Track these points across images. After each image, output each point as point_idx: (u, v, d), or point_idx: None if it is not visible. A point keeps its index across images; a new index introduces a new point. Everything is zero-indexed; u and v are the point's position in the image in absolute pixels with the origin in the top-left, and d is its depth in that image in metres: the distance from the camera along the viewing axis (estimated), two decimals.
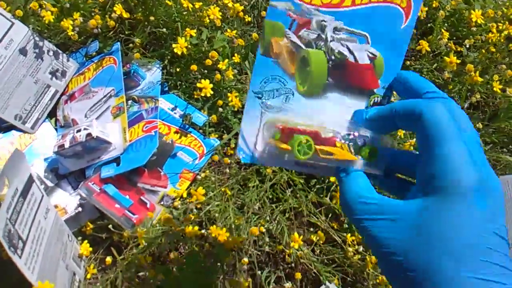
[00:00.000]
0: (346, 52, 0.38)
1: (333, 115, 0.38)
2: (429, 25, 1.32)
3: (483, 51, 1.21)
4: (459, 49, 1.26)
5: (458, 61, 1.10)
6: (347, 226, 0.97)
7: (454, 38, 1.31)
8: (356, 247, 0.93)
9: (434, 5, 1.26)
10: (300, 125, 0.36)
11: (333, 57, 0.38)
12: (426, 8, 1.20)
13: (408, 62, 1.24)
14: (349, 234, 0.93)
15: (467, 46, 1.25)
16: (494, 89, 1.13)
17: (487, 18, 1.24)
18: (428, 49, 1.17)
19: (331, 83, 0.38)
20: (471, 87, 1.21)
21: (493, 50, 1.21)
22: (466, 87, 1.21)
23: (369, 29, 0.38)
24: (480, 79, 1.10)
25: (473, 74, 1.09)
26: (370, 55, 0.38)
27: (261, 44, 0.37)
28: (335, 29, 0.37)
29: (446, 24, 1.31)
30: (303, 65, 0.37)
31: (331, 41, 0.37)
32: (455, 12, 1.30)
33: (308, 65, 0.37)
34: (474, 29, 1.24)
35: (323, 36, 0.37)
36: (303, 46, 0.37)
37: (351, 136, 0.36)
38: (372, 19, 0.37)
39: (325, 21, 0.37)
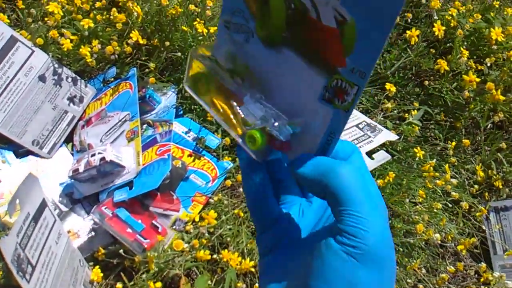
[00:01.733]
0: (307, 3, 0.29)
1: (283, 83, 0.31)
2: (448, 44, 1.30)
3: (505, 69, 1.18)
4: (480, 68, 1.23)
5: (478, 80, 1.07)
6: None
7: (475, 57, 1.28)
8: None
9: (452, 24, 1.24)
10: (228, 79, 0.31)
11: (292, 5, 0.29)
12: (444, 27, 1.17)
13: (426, 82, 1.21)
14: None
15: (488, 64, 1.21)
16: None
17: (507, 36, 1.20)
18: (447, 68, 1.14)
19: (288, 36, 0.30)
20: (494, 106, 1.18)
21: None
22: (488, 106, 1.18)
23: None
24: (502, 98, 1.07)
25: (494, 92, 1.06)
26: (338, 16, 0.28)
27: None
28: None
29: (466, 43, 1.28)
30: (263, 5, 0.31)
31: None
32: (475, 31, 1.28)
33: (267, 7, 0.31)
34: (495, 47, 1.21)
35: None
36: None
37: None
38: None
39: None
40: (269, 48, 0.32)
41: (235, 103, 0.31)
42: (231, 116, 0.30)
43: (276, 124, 0.29)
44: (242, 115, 0.30)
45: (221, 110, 0.31)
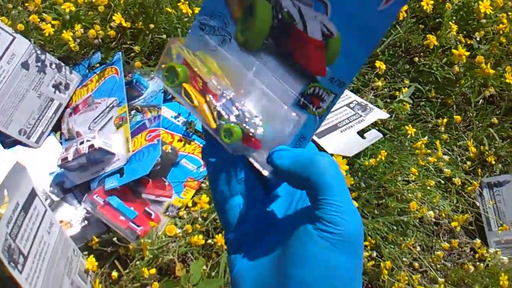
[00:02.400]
0: (295, 16, 0.30)
1: (256, 83, 0.32)
2: (437, 20, 1.28)
3: (494, 42, 1.17)
4: (469, 42, 1.22)
5: (467, 53, 1.06)
6: None
7: (465, 32, 1.27)
8: (370, 252, 0.89)
9: None
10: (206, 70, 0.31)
11: (280, 16, 0.30)
12: (432, 2, 1.16)
13: (416, 59, 1.20)
14: None
15: (478, 38, 1.21)
16: (507, 81, 1.08)
17: (496, 9, 1.19)
18: (437, 43, 1.13)
19: (270, 44, 0.31)
20: (484, 81, 1.17)
21: (504, 41, 1.16)
22: (478, 81, 1.17)
23: None
24: (492, 72, 1.06)
25: (484, 66, 1.05)
26: (326, 31, 0.29)
27: None
28: None
29: (455, 18, 1.27)
30: (248, 12, 0.31)
31: None
32: (463, 5, 1.27)
33: (252, 15, 0.31)
34: (484, 21, 1.20)
35: None
36: None
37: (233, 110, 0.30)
38: None
39: None
40: (247, 52, 0.32)
41: (211, 96, 0.31)
42: (206, 110, 0.31)
43: (252, 121, 0.30)
44: (219, 109, 0.30)
45: (196, 102, 0.31)
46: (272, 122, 0.31)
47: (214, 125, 0.31)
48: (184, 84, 0.31)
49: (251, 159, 0.32)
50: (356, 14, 0.28)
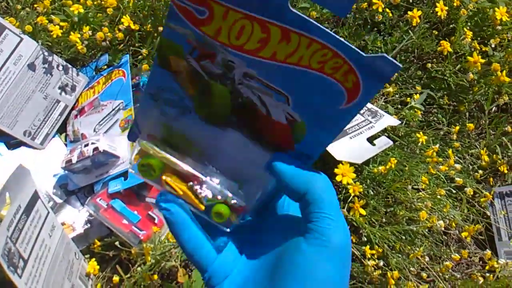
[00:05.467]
0: (257, 102, 0.30)
1: (227, 155, 0.33)
2: (451, 26, 1.26)
3: (510, 49, 1.14)
4: (484, 49, 1.19)
5: (483, 61, 1.03)
6: (366, 239, 0.91)
7: (479, 38, 1.24)
8: (376, 261, 0.87)
9: (455, 4, 1.20)
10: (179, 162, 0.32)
11: (240, 100, 0.30)
12: (447, 8, 1.14)
13: (429, 65, 1.18)
14: (368, 247, 0.87)
15: (493, 45, 1.18)
16: None
17: None
18: (450, 50, 1.11)
19: (234, 120, 0.31)
20: (498, 89, 1.14)
21: None
22: (492, 88, 1.14)
23: (293, 92, 0.28)
24: (507, 79, 1.03)
25: (499, 73, 1.03)
26: (289, 117, 0.30)
27: (159, 55, 0.30)
28: (246, 75, 0.29)
29: (469, 24, 1.24)
30: (203, 92, 0.30)
31: (239, 83, 0.29)
32: (479, 11, 1.24)
33: (209, 96, 0.30)
34: (499, 27, 1.17)
35: (230, 75, 0.29)
36: (205, 76, 0.30)
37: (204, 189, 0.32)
38: (300, 83, 0.28)
39: (233, 62, 0.28)
40: (211, 126, 0.32)
41: (194, 183, 0.32)
42: (192, 196, 0.31)
43: (233, 197, 0.32)
44: (203, 194, 0.31)
45: (180, 191, 0.31)
46: (249, 184, 0.33)
47: (202, 208, 0.31)
48: (163, 177, 0.31)
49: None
50: (317, 108, 0.29)
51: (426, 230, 0.96)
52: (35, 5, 1.05)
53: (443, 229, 0.91)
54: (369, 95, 0.27)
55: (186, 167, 0.31)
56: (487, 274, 0.90)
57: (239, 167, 0.33)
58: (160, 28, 1.07)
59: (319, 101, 0.28)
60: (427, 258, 0.91)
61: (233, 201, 0.32)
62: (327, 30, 0.26)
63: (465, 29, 1.16)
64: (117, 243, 0.85)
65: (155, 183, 0.32)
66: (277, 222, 0.34)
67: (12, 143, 0.98)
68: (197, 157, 0.33)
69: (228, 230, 0.32)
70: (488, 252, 0.93)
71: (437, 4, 1.14)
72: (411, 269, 0.90)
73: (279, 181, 0.31)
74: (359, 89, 0.27)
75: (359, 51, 0.26)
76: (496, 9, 1.15)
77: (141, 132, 0.34)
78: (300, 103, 0.29)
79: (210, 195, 0.31)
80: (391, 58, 0.25)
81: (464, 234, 0.94)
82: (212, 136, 0.32)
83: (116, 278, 0.83)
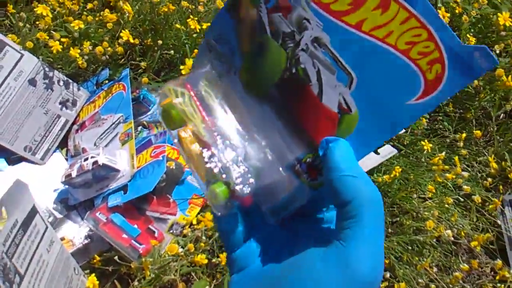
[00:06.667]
0: (312, 76, 0.26)
1: (255, 133, 0.29)
2: (455, 33, 1.24)
3: None
4: None
5: None
6: None
7: (483, 44, 1.22)
8: (383, 273, 0.84)
9: (457, 11, 1.19)
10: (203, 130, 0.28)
11: (293, 70, 0.26)
12: (449, 14, 1.12)
13: None
14: None
15: (497, 51, 1.16)
16: None
17: None
18: None
19: (275, 96, 0.27)
20: (505, 95, 1.12)
21: None
22: (499, 94, 1.12)
23: (362, 73, 0.25)
24: None
25: (504, 79, 1.01)
26: (343, 104, 0.26)
27: None
28: (316, 40, 0.25)
29: (473, 30, 1.23)
30: (258, 51, 0.27)
31: (302, 49, 0.26)
32: (482, 18, 1.22)
33: (262, 57, 0.27)
34: (503, 33, 1.15)
35: (297, 37, 0.26)
36: (268, 31, 0.27)
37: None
38: (374, 63, 0.24)
39: (308, 22, 0.25)
40: (249, 94, 0.29)
41: (204, 151, 0.28)
42: (197, 163, 0.28)
43: (239, 182, 0.27)
44: (208, 166, 0.28)
45: (188, 155, 0.29)
46: (263, 180, 0.28)
47: (204, 179, 0.28)
48: (179, 132, 0.29)
49: None
50: (381, 99, 0.25)
51: (434, 240, 0.93)
52: (37, 22, 1.06)
53: (451, 238, 0.89)
54: (447, 93, 0.24)
55: (197, 129, 0.28)
56: (499, 285, 0.87)
57: (263, 158, 0.29)
58: (160, 42, 1.07)
59: (388, 90, 0.25)
60: (435, 269, 0.88)
61: (237, 187, 0.27)
62: (433, 9, 0.23)
63: (468, 35, 1.15)
64: (116, 257, 0.83)
65: (172, 134, 0.29)
66: (311, 231, 0.30)
67: (13, 159, 0.97)
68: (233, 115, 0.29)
69: (219, 214, 0.28)
70: (499, 261, 0.90)
71: (438, 11, 1.13)
72: (419, 280, 0.87)
73: (328, 168, 0.25)
74: (440, 83, 0.24)
75: (458, 38, 0.23)
76: (499, 14, 1.13)
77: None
78: (364, 88, 0.25)
79: (216, 170, 0.27)
80: (491, 52, 0.23)
81: (473, 243, 0.91)
82: (246, 108, 0.29)
83: None
